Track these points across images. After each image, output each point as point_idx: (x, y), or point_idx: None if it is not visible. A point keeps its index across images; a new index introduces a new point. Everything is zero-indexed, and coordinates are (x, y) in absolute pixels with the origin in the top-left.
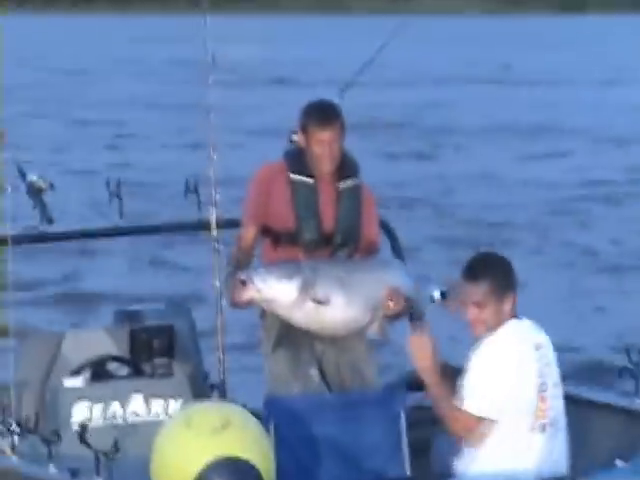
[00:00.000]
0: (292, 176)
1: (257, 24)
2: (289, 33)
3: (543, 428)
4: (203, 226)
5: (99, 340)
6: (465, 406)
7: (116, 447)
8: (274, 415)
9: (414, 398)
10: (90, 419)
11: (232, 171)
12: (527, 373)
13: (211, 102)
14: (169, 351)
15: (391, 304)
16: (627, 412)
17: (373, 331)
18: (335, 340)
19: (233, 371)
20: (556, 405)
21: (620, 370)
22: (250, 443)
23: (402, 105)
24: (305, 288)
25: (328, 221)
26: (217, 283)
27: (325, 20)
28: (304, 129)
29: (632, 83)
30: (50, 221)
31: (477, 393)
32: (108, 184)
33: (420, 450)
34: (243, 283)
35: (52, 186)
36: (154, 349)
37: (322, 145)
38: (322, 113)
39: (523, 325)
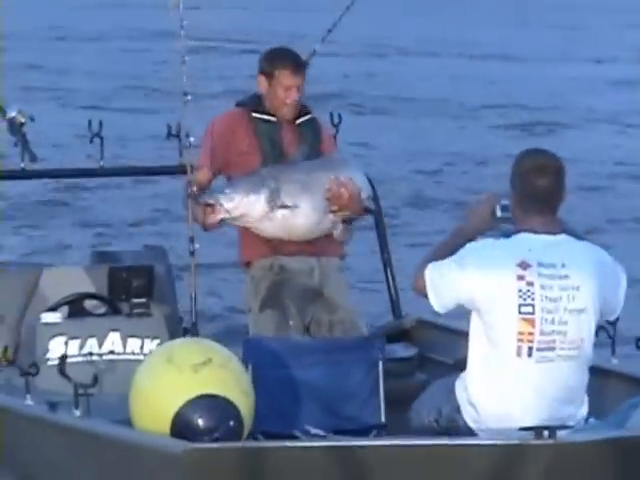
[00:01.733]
0: (255, 115)
1: None
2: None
3: (530, 353)
4: (181, 170)
5: (77, 278)
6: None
7: (95, 380)
8: (252, 356)
9: (392, 350)
10: (67, 355)
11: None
12: (491, 284)
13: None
14: (148, 291)
15: (339, 190)
16: (601, 371)
17: (338, 233)
18: (323, 299)
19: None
20: (558, 330)
21: (596, 330)
22: (230, 381)
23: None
24: (272, 197)
25: (291, 158)
26: (190, 227)
27: None
28: (270, 75)
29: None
30: (33, 158)
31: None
32: (90, 123)
33: (395, 401)
34: (210, 206)
35: (32, 119)
36: (133, 289)
37: (291, 91)
38: (294, 60)
39: (525, 239)
